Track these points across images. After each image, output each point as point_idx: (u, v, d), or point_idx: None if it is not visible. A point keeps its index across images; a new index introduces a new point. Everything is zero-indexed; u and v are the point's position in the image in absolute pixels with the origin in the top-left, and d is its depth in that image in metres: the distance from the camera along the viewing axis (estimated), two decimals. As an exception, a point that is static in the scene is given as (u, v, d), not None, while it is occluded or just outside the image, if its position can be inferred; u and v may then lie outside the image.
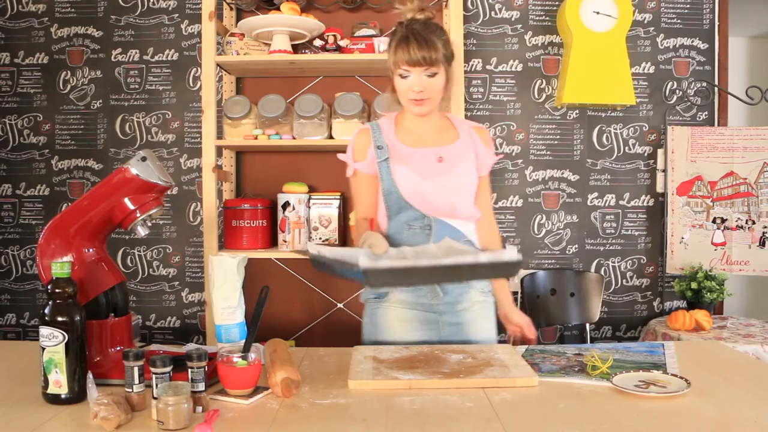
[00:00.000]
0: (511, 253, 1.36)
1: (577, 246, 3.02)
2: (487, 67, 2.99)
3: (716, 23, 3.00)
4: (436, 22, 1.69)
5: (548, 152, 3.00)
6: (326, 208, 2.71)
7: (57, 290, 1.23)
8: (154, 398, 1.14)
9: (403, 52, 1.61)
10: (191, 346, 1.54)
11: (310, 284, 2.92)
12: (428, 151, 1.72)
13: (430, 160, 1.70)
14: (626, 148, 3.01)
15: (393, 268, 1.30)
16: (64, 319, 1.22)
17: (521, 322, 1.83)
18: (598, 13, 2.77)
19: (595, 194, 3.01)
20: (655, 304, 3.04)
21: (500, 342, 1.74)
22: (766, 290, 4.21)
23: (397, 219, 1.70)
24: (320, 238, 2.70)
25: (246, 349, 1.35)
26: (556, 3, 2.96)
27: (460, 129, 1.78)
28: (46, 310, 1.23)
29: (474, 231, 1.76)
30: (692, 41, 3.00)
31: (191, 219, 3.00)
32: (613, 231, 3.02)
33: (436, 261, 1.34)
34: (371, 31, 2.74)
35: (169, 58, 2.99)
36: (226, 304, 1.48)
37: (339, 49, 2.68)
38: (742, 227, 2.90)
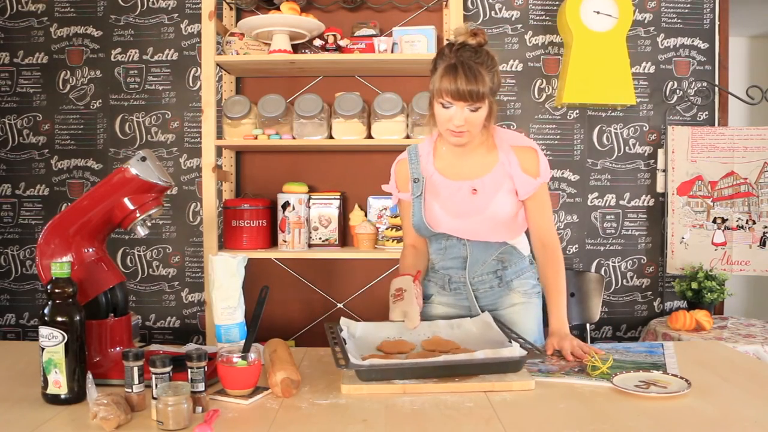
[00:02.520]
0: (512, 350, 1.34)
1: (577, 246, 3.01)
2: (487, 66, 2.98)
3: (716, 23, 3.00)
4: (487, 50, 1.58)
5: (548, 152, 2.99)
6: (326, 208, 2.71)
7: (56, 290, 1.23)
8: (154, 398, 1.14)
9: (450, 83, 1.51)
10: (191, 346, 1.54)
11: (310, 284, 2.92)
12: (464, 184, 1.67)
13: (464, 195, 1.67)
14: (626, 148, 3.00)
15: (381, 367, 1.30)
16: (64, 319, 1.22)
17: (558, 346, 1.58)
18: (598, 12, 2.77)
19: (596, 194, 3.01)
20: (656, 304, 3.04)
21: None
22: (766, 290, 4.21)
23: (435, 236, 1.74)
24: (320, 238, 2.70)
25: (246, 349, 1.34)
26: (556, 3, 2.95)
27: (500, 151, 1.68)
28: (46, 310, 1.23)
29: (525, 242, 1.78)
30: (692, 41, 3.00)
31: (191, 219, 3.00)
32: (613, 231, 3.02)
33: (425, 361, 1.33)
34: (371, 31, 2.74)
35: (168, 58, 2.99)
36: (226, 304, 1.48)
37: (339, 49, 2.68)
38: (742, 227, 2.90)
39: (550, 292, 1.68)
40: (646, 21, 2.99)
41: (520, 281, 1.76)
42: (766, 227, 2.88)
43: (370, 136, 2.67)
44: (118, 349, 1.39)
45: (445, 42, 1.63)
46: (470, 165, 1.69)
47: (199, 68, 2.95)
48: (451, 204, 1.68)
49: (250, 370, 1.27)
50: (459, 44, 1.57)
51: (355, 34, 2.75)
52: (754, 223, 2.89)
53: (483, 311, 1.71)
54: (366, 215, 2.81)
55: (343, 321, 1.57)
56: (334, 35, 2.69)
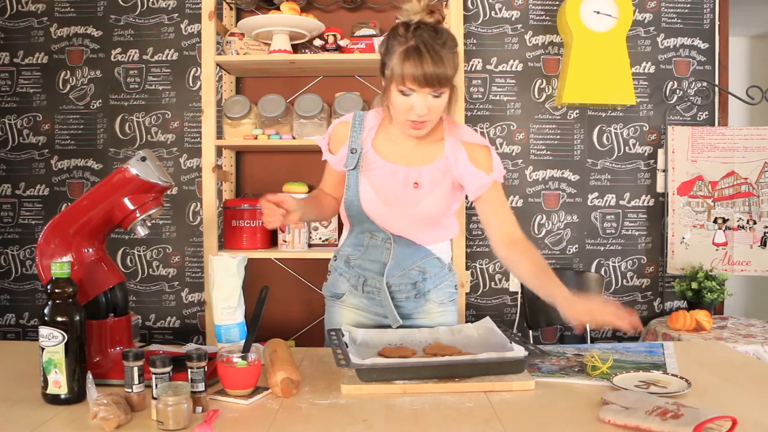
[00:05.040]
0: (516, 352, 1.33)
1: (577, 246, 3.01)
2: (487, 66, 2.99)
3: (716, 23, 3.00)
4: (446, 29, 1.45)
5: (548, 152, 2.99)
6: (326, 208, 2.71)
7: (56, 290, 1.23)
8: (154, 398, 1.13)
9: (415, 68, 1.37)
10: (191, 346, 1.54)
11: (310, 284, 2.92)
12: (399, 169, 1.55)
13: (400, 182, 1.55)
14: (626, 148, 3.00)
15: (382, 366, 1.29)
16: (64, 319, 1.22)
17: (605, 317, 1.31)
18: (598, 12, 2.77)
19: (596, 194, 3.01)
20: (656, 304, 3.04)
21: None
22: (766, 290, 4.21)
23: (360, 226, 1.63)
24: (320, 238, 2.70)
25: (246, 349, 1.34)
26: (557, 3, 2.95)
27: (447, 144, 1.55)
28: (46, 310, 1.23)
29: (447, 248, 1.70)
30: (692, 41, 3.00)
31: (191, 219, 3.00)
32: (613, 231, 3.02)
33: (427, 360, 1.33)
34: (371, 31, 2.74)
35: (168, 58, 2.99)
36: (226, 304, 1.48)
37: (339, 49, 2.68)
38: (743, 227, 2.90)
39: (540, 277, 1.47)
40: (646, 21, 2.99)
41: (437, 291, 1.68)
42: (766, 227, 2.88)
43: (370, 136, 2.66)
44: (118, 349, 1.39)
45: (397, 20, 1.45)
46: (412, 151, 1.57)
47: (199, 68, 2.95)
48: (383, 188, 1.56)
49: (250, 370, 1.26)
50: (416, 23, 1.42)
51: (355, 34, 2.75)
52: (755, 223, 2.89)
53: (402, 318, 1.66)
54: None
55: (345, 327, 1.57)
56: (334, 35, 2.69)
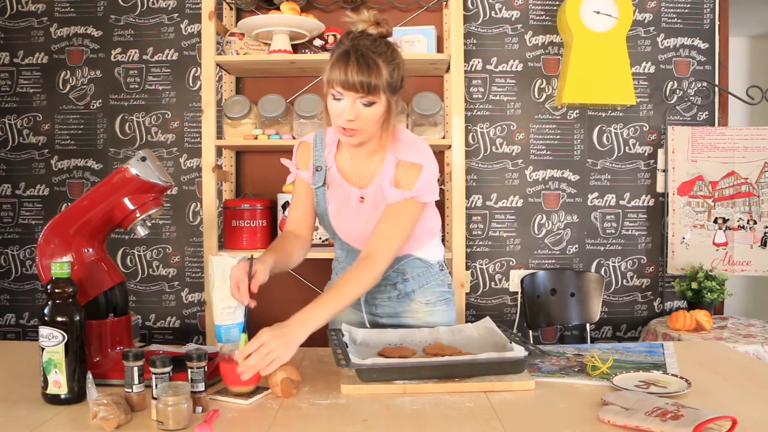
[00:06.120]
0: (516, 352, 1.33)
1: (577, 246, 3.01)
2: (487, 67, 2.99)
3: (716, 23, 3.00)
4: (389, 42, 1.48)
5: (548, 152, 2.99)
6: (326, 208, 2.71)
7: (56, 290, 1.23)
8: (154, 398, 1.13)
9: (339, 72, 1.39)
10: (191, 346, 1.54)
11: (310, 284, 2.92)
12: (353, 190, 1.57)
13: (353, 201, 1.58)
14: (626, 148, 3.00)
15: (382, 366, 1.29)
16: (64, 319, 1.22)
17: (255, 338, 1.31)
18: (598, 12, 2.77)
19: (596, 194, 3.01)
20: (656, 304, 3.04)
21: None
22: (766, 290, 4.21)
23: (338, 240, 1.66)
24: (320, 238, 2.70)
25: (246, 329, 1.35)
26: (556, 3, 2.95)
27: (386, 161, 1.55)
28: (46, 310, 1.23)
29: (433, 248, 1.70)
30: (692, 41, 3.00)
31: (191, 219, 3.00)
32: (613, 231, 3.02)
33: (427, 360, 1.33)
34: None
35: (168, 58, 2.99)
36: (225, 304, 1.48)
37: (339, 48, 2.67)
38: (743, 227, 2.90)
39: (330, 290, 1.47)
40: (646, 21, 2.99)
41: (424, 291, 1.68)
42: (766, 227, 2.88)
43: (370, 136, 2.66)
44: (118, 349, 1.39)
45: (343, 33, 1.50)
46: (361, 170, 1.58)
47: (199, 68, 2.95)
48: (342, 207, 1.59)
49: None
50: (359, 32, 1.45)
51: (355, 34, 2.75)
52: (755, 223, 2.89)
53: (376, 322, 1.67)
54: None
55: (345, 327, 1.57)
56: (334, 35, 2.69)
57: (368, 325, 1.66)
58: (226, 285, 1.46)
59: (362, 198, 1.57)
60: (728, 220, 2.90)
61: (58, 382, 1.22)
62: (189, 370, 1.21)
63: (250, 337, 1.36)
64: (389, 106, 1.47)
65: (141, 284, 3.02)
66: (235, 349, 1.38)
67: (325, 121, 1.54)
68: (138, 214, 1.45)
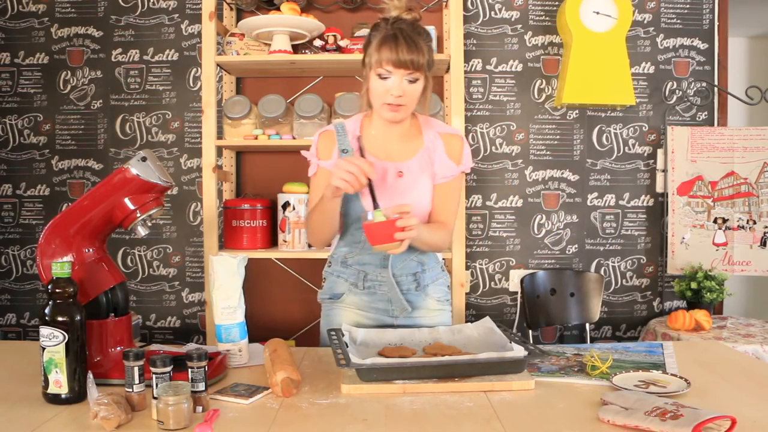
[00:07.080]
0: (515, 352, 1.34)
1: (577, 246, 3.02)
2: (487, 67, 2.99)
3: (716, 23, 3.00)
4: (422, 25, 1.60)
5: (548, 152, 3.00)
6: (326, 208, 2.71)
7: (57, 290, 1.23)
8: (154, 398, 1.14)
9: (390, 52, 1.51)
10: (191, 346, 1.54)
11: (310, 284, 2.93)
12: (390, 165, 1.64)
13: (390, 176, 1.64)
14: (626, 148, 3.01)
15: (382, 366, 1.29)
16: (65, 319, 1.22)
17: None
18: (598, 13, 2.77)
19: (595, 194, 3.01)
20: (655, 304, 3.04)
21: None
22: (766, 290, 4.21)
23: (356, 224, 1.66)
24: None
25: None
26: (556, 3, 2.96)
27: (425, 136, 1.68)
28: (47, 310, 1.23)
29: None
30: (692, 41, 3.00)
31: (191, 219, 3.01)
32: (612, 231, 3.02)
33: (427, 360, 1.34)
34: (371, 31, 2.74)
35: (169, 58, 2.99)
36: (226, 304, 1.48)
37: (339, 49, 2.68)
38: (743, 227, 2.90)
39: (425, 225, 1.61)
40: (645, 21, 2.99)
41: (435, 287, 1.73)
42: (766, 227, 2.88)
43: (370, 137, 2.67)
44: (118, 348, 1.39)
45: (379, 18, 1.60)
46: (397, 145, 1.66)
47: (199, 68, 2.95)
48: (378, 183, 1.60)
49: (389, 223, 1.40)
50: (395, 17, 1.57)
51: (355, 35, 2.75)
52: (755, 223, 2.89)
53: (399, 318, 1.68)
54: (366, 215, 2.81)
55: (345, 327, 1.57)
56: (334, 35, 2.69)
57: (409, 308, 1.67)
58: (226, 285, 1.47)
59: (401, 172, 1.64)
60: (728, 220, 2.91)
61: (59, 382, 1.22)
62: (189, 370, 1.22)
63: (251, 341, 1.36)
64: (426, 84, 1.59)
65: (141, 284, 3.02)
66: (236, 348, 1.39)
67: (364, 104, 1.65)
68: (138, 214, 1.45)
